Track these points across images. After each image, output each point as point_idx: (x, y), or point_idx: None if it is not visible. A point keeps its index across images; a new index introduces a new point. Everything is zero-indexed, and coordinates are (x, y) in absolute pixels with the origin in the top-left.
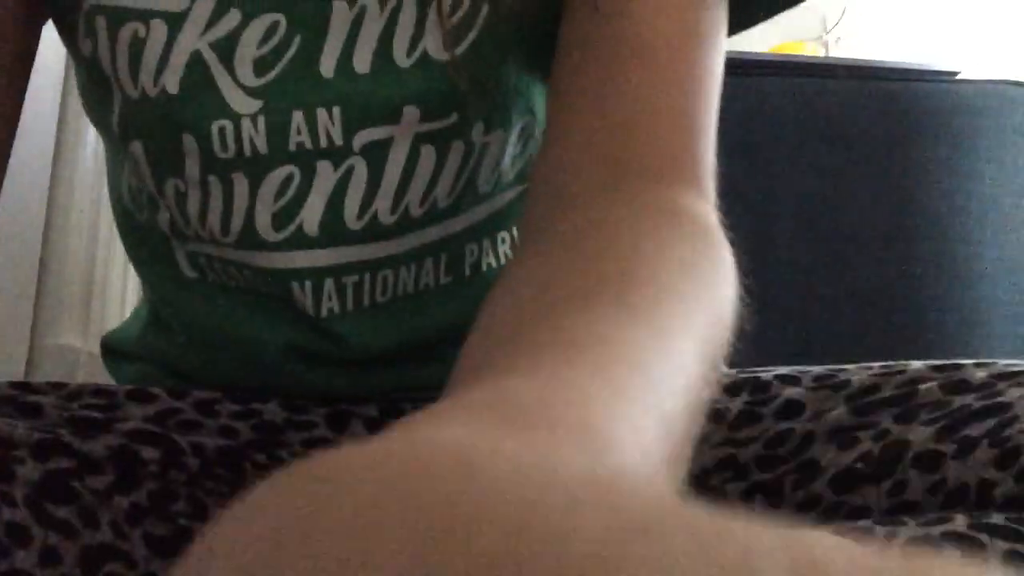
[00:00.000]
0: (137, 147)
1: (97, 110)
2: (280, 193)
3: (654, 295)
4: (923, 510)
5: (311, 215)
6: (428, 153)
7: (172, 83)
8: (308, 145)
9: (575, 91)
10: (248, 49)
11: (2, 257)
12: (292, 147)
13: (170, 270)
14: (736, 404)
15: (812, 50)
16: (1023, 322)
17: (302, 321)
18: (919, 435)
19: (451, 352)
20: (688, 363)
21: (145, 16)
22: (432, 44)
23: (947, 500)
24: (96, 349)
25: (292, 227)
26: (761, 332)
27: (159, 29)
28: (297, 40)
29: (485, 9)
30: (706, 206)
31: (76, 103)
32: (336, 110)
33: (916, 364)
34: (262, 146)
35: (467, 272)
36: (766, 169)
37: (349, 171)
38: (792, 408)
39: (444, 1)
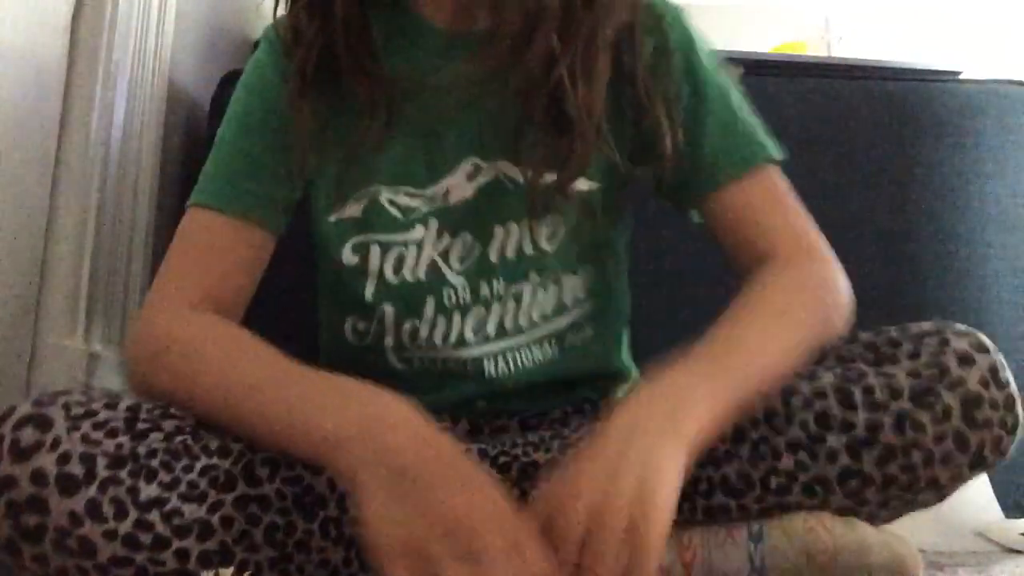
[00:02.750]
0: (389, 308)
1: (348, 287)
2: (480, 320)
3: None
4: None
5: (494, 324)
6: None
7: (422, 275)
8: (491, 294)
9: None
10: (455, 252)
11: (3, 257)
12: (483, 295)
13: (379, 363)
14: None
15: (814, 50)
16: None
17: (472, 379)
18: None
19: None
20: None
21: (403, 244)
22: (547, 234)
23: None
24: (98, 349)
25: (484, 332)
26: None
27: (413, 248)
28: (479, 245)
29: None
30: (826, 259)
31: (79, 103)
32: (501, 278)
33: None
34: (470, 298)
35: (557, 365)
36: None
37: (503, 311)
38: None
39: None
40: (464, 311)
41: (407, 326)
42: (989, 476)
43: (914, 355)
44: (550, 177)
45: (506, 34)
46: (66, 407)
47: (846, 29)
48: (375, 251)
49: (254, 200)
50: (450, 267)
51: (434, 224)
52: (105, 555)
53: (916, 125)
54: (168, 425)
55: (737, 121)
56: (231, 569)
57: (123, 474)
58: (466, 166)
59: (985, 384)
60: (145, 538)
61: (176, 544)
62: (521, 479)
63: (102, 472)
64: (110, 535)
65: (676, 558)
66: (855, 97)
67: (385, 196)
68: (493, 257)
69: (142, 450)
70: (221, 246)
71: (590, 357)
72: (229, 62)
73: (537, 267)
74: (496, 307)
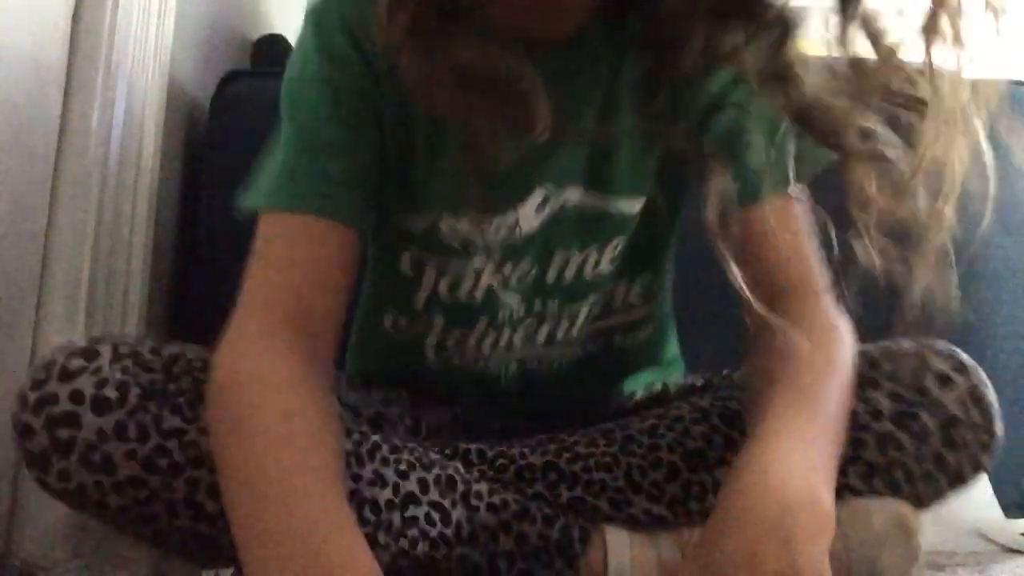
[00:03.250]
0: (439, 318)
1: (397, 287)
2: (531, 331)
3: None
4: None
5: (544, 334)
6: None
7: (478, 297)
8: (545, 311)
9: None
10: (515, 276)
11: (4, 256)
12: (537, 310)
13: (414, 355)
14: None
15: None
16: None
17: (488, 383)
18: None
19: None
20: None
21: (461, 269)
22: (592, 264)
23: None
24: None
25: (534, 341)
26: None
27: (471, 273)
28: (537, 268)
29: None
30: (824, 303)
31: (80, 103)
32: (557, 298)
33: None
34: (523, 313)
35: (600, 360)
36: None
37: (556, 325)
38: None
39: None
40: (516, 324)
41: (455, 333)
42: (989, 476)
43: (893, 377)
44: (634, 204)
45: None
46: (115, 345)
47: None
48: (430, 270)
49: (343, 195)
50: (507, 288)
51: (496, 255)
52: (123, 473)
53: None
54: (202, 375)
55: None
56: (231, 570)
57: (152, 405)
58: (537, 196)
59: (964, 406)
60: (161, 462)
61: (188, 472)
62: (518, 480)
63: (133, 400)
64: (130, 454)
65: (678, 551)
66: None
67: (447, 222)
68: (551, 279)
69: (172, 387)
70: (303, 255)
71: (640, 354)
72: (229, 62)
73: (595, 287)
74: (549, 321)
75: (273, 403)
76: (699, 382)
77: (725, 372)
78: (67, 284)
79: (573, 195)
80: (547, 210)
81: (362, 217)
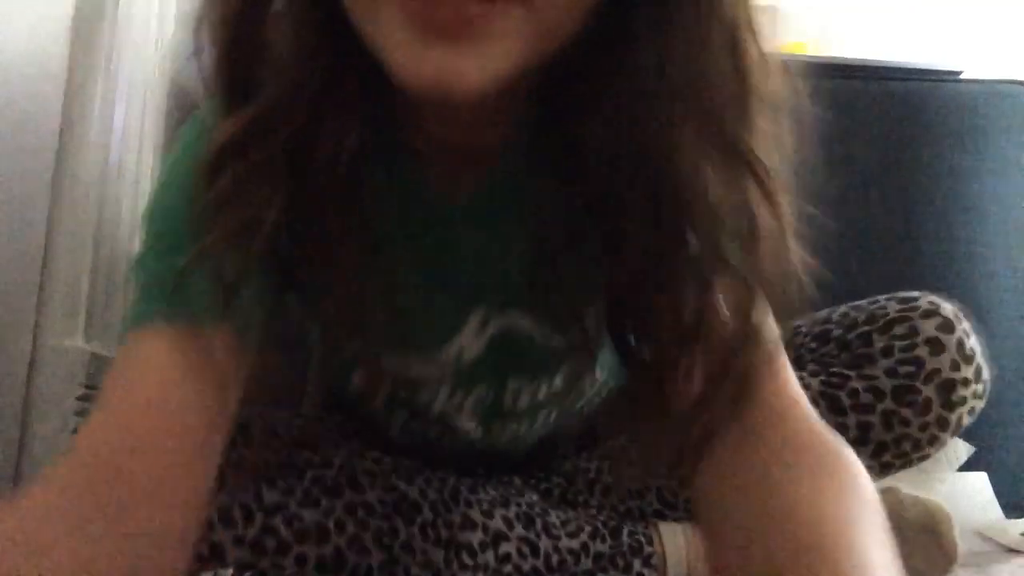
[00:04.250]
0: (403, 412)
1: (355, 397)
2: (496, 435)
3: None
4: None
5: (508, 433)
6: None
7: (431, 421)
8: (503, 430)
9: None
10: (469, 403)
11: (4, 257)
12: (496, 432)
13: (375, 419)
14: None
15: (815, 51)
16: None
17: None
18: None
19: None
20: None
21: (413, 402)
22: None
23: None
24: (100, 350)
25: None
26: None
27: (423, 406)
28: (492, 394)
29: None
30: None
31: (80, 103)
32: (514, 420)
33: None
34: (483, 434)
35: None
36: None
37: (516, 431)
38: None
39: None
40: (471, 431)
41: (416, 424)
42: (990, 477)
43: (887, 352)
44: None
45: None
46: None
47: (846, 29)
48: (382, 398)
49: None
50: (463, 413)
51: (446, 389)
52: (231, 559)
53: (917, 125)
54: (273, 442)
55: None
56: (230, 570)
57: (248, 481)
58: (474, 320)
59: (956, 367)
60: (270, 543)
61: (296, 549)
62: (564, 504)
63: (230, 480)
64: (239, 540)
65: (700, 554)
66: (856, 97)
67: (391, 366)
68: (507, 403)
69: (259, 460)
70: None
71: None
72: None
73: (555, 402)
74: (512, 427)
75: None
76: None
77: None
78: (68, 284)
79: (515, 318)
80: (489, 332)
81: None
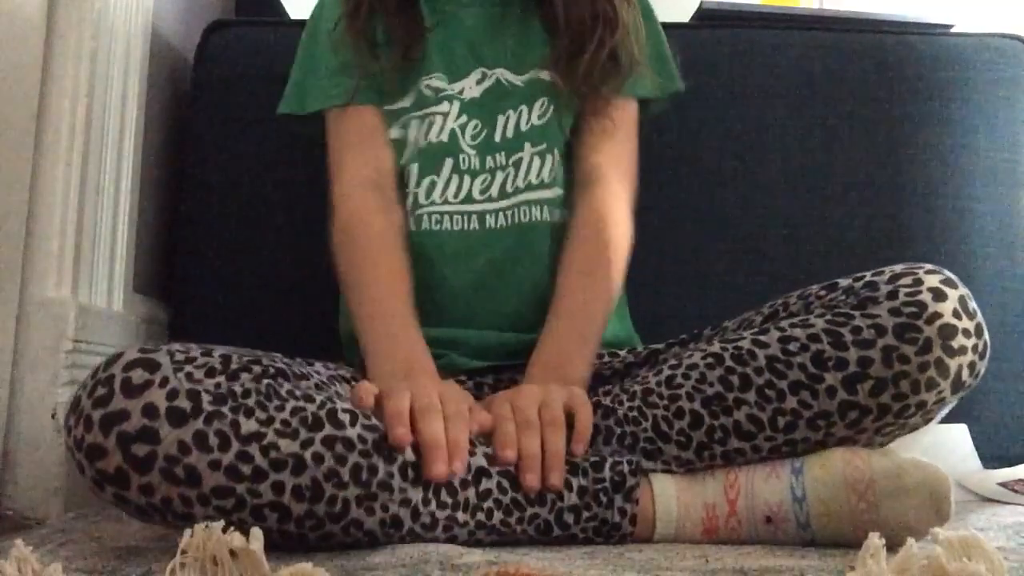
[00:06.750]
0: (414, 167)
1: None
2: (486, 183)
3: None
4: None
5: (498, 187)
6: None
7: (444, 138)
8: (495, 164)
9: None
10: (469, 131)
11: None
12: (488, 166)
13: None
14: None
15: (806, 2)
16: (1010, 277)
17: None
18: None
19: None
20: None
21: (434, 115)
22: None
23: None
24: (87, 301)
25: (489, 193)
26: (748, 278)
27: (439, 119)
28: (487, 129)
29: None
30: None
31: (62, 55)
32: (503, 151)
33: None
34: (479, 166)
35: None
36: (757, 120)
37: (504, 179)
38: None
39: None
40: (474, 175)
41: (425, 182)
42: (970, 429)
43: (892, 295)
44: (541, 74)
45: None
46: (169, 352)
47: None
48: (414, 124)
49: (364, 90)
50: (464, 139)
51: (456, 106)
52: (209, 484)
53: (907, 78)
54: (256, 369)
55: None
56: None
57: (225, 409)
58: (475, 74)
59: (958, 315)
60: (245, 469)
61: (273, 477)
62: None
63: (207, 407)
64: (214, 465)
65: (722, 494)
66: (847, 50)
67: (424, 83)
68: (497, 137)
69: (238, 389)
70: (363, 134)
71: (560, 233)
72: (213, 13)
73: (530, 139)
74: (500, 174)
75: (374, 222)
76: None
77: (714, 324)
78: (54, 237)
79: (503, 73)
80: (486, 84)
81: (373, 96)
